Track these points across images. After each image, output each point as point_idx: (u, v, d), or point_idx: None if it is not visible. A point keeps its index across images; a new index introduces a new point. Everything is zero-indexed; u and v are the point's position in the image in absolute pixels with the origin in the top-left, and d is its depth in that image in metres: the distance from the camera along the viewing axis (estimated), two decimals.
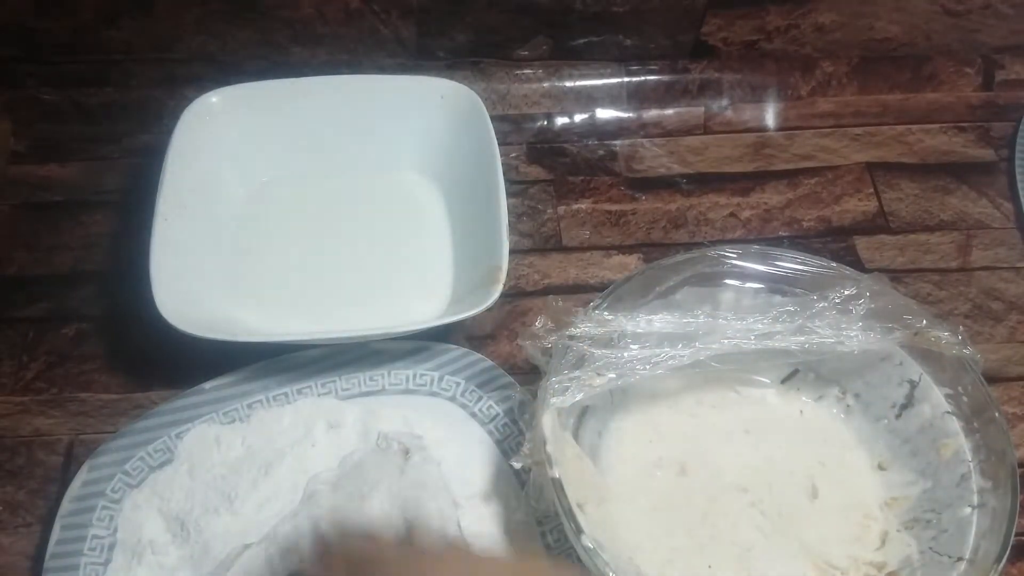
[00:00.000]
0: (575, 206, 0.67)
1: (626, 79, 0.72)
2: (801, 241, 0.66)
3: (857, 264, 0.64)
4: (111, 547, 0.49)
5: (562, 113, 0.72)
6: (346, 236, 0.62)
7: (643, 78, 0.72)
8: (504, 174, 0.58)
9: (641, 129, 0.72)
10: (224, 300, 0.58)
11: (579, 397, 0.47)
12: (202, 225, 0.59)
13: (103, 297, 0.61)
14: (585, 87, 0.72)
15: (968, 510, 0.48)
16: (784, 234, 0.66)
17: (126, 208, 0.65)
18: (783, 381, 0.57)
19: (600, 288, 0.62)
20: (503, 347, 0.59)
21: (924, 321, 0.50)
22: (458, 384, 0.55)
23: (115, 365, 0.58)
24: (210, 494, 0.50)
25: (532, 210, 0.67)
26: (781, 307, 0.51)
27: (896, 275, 0.64)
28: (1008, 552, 0.45)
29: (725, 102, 0.73)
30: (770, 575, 0.50)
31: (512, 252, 0.56)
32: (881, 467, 0.54)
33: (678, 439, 0.54)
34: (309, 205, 0.64)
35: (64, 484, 0.52)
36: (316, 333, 0.55)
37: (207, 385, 0.54)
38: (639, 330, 0.50)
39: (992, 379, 0.57)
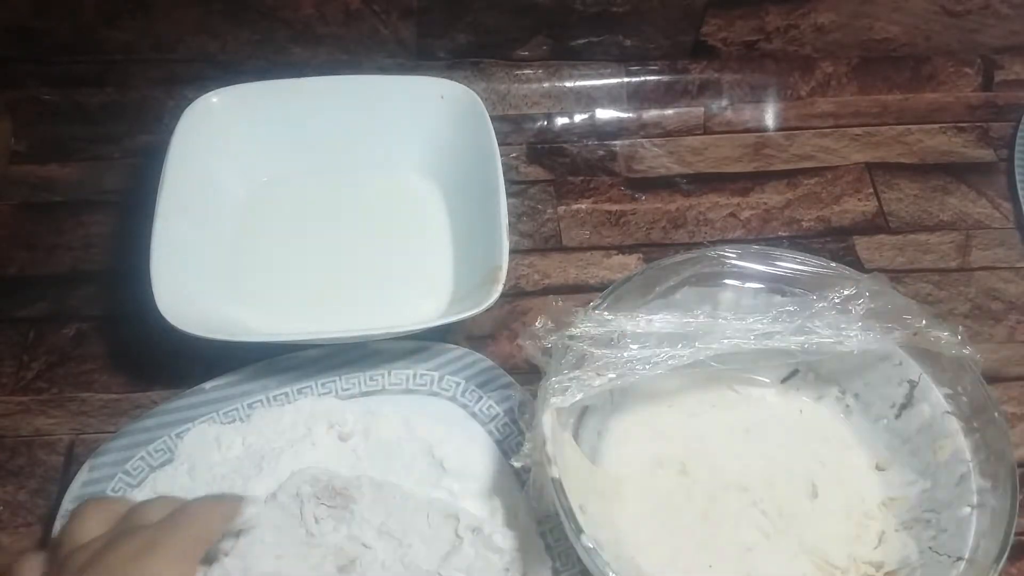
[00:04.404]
0: (575, 206, 0.67)
1: (626, 79, 0.72)
2: (801, 241, 0.66)
3: (857, 264, 0.65)
4: None
5: (562, 113, 0.72)
6: (346, 236, 0.62)
7: (643, 78, 0.72)
8: (504, 174, 0.58)
9: (641, 129, 0.72)
10: (224, 300, 0.58)
11: (579, 397, 0.47)
12: (202, 225, 0.59)
13: (103, 297, 0.61)
14: (585, 87, 0.72)
15: (967, 510, 0.48)
16: (784, 234, 0.66)
17: (126, 208, 0.65)
18: (783, 381, 0.57)
19: (600, 288, 0.62)
20: (503, 347, 0.59)
21: (924, 321, 0.50)
22: (458, 384, 0.55)
23: (115, 365, 0.58)
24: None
25: (532, 210, 0.67)
26: (781, 307, 0.51)
27: (896, 275, 0.64)
28: (1008, 552, 0.45)
29: (725, 102, 0.73)
30: (770, 574, 0.50)
31: (512, 252, 0.55)
32: (880, 467, 0.54)
33: (678, 439, 0.54)
34: (309, 205, 0.64)
35: (65, 484, 0.52)
36: (316, 333, 0.55)
37: (207, 385, 0.54)
38: (639, 330, 0.50)
39: (992, 379, 0.57)
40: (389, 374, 0.56)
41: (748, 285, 0.54)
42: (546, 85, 0.72)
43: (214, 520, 0.44)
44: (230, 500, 0.46)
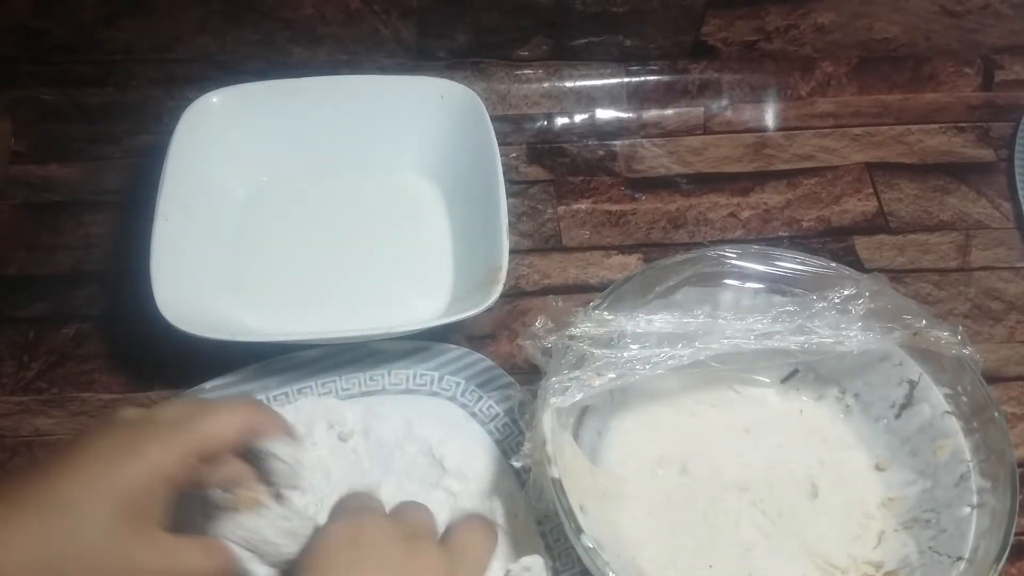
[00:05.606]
0: (575, 206, 0.67)
1: (626, 79, 0.72)
2: (801, 241, 0.66)
3: (857, 264, 0.65)
4: None
5: (562, 113, 0.72)
6: (346, 236, 0.63)
7: (643, 78, 0.72)
8: (504, 174, 0.58)
9: (641, 129, 0.72)
10: (224, 300, 0.58)
11: (579, 397, 0.47)
12: (202, 225, 0.59)
13: (104, 297, 0.61)
14: (585, 87, 0.72)
15: (967, 510, 0.48)
16: (784, 234, 0.66)
17: (126, 208, 0.65)
18: (783, 381, 0.57)
19: (600, 288, 0.62)
20: (503, 347, 0.59)
21: (923, 321, 0.50)
22: (458, 384, 0.55)
23: (116, 365, 0.58)
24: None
25: (532, 210, 0.67)
26: (781, 307, 0.51)
27: (896, 275, 0.64)
28: (1007, 552, 0.45)
29: (725, 102, 0.73)
30: (770, 574, 0.50)
31: (512, 252, 0.56)
32: (880, 467, 0.54)
33: (678, 439, 0.54)
34: (309, 205, 0.64)
35: None
36: (316, 333, 0.55)
37: (207, 385, 0.54)
38: (639, 330, 0.50)
39: (991, 379, 0.57)
40: (389, 374, 0.56)
41: (748, 285, 0.54)
42: (546, 85, 0.72)
43: (235, 423, 0.40)
44: (271, 415, 0.43)
